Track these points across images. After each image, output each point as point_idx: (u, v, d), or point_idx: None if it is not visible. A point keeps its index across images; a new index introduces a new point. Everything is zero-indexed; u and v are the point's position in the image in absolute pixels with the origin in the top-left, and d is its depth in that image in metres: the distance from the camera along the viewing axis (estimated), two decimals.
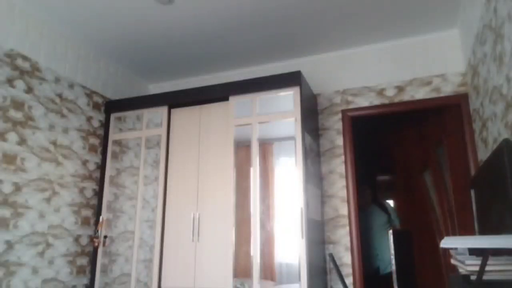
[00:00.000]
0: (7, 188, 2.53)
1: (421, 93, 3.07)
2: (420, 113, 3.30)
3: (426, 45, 3.14)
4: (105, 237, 3.12)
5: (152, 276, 2.92)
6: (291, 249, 2.61)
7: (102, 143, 3.36)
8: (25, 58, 2.73)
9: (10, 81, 2.60)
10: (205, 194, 2.98)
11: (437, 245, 3.32)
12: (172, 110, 3.26)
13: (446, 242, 1.28)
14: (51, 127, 2.89)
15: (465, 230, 2.79)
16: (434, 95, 3.03)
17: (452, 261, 1.40)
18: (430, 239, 3.51)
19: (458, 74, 2.99)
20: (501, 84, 1.98)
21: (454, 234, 3.04)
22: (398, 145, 3.97)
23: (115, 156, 3.30)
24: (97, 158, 3.30)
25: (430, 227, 3.55)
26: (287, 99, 2.85)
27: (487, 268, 1.11)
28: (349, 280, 2.94)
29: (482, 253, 1.12)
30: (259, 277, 2.64)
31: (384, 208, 3.59)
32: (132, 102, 3.37)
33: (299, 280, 2.50)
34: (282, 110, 2.84)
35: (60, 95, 3.00)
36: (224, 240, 2.81)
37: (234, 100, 3.01)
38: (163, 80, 4.02)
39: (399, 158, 3.79)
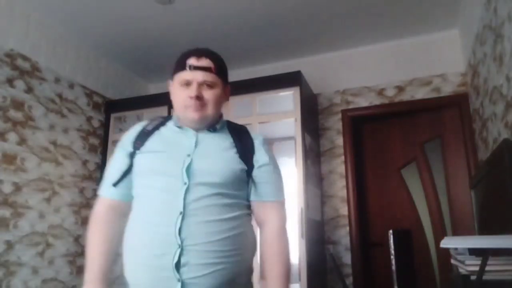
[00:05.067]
0: (7, 188, 2.53)
1: (421, 93, 3.07)
2: (408, 113, 3.17)
3: (426, 45, 3.13)
4: None
5: None
6: (291, 249, 2.60)
7: (102, 143, 3.36)
8: (25, 58, 2.73)
9: (10, 81, 2.60)
10: None
11: (422, 244, 3.20)
12: (172, 110, 3.25)
13: (446, 242, 1.28)
14: (51, 127, 2.89)
15: (465, 230, 2.79)
16: (434, 95, 3.03)
17: (452, 261, 1.40)
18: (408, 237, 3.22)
19: (458, 74, 2.99)
20: (501, 84, 1.98)
21: (445, 232, 3.01)
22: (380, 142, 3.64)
23: None
24: (97, 158, 3.30)
25: (413, 225, 3.28)
26: (287, 99, 2.84)
27: (487, 268, 1.11)
28: (349, 280, 2.94)
29: (482, 253, 1.12)
30: (259, 277, 2.64)
31: None
32: (132, 102, 3.37)
33: (299, 280, 2.50)
34: (282, 110, 2.84)
35: (60, 95, 2.99)
36: None
37: (234, 100, 3.01)
38: (163, 80, 4.02)
39: (377, 155, 3.52)
